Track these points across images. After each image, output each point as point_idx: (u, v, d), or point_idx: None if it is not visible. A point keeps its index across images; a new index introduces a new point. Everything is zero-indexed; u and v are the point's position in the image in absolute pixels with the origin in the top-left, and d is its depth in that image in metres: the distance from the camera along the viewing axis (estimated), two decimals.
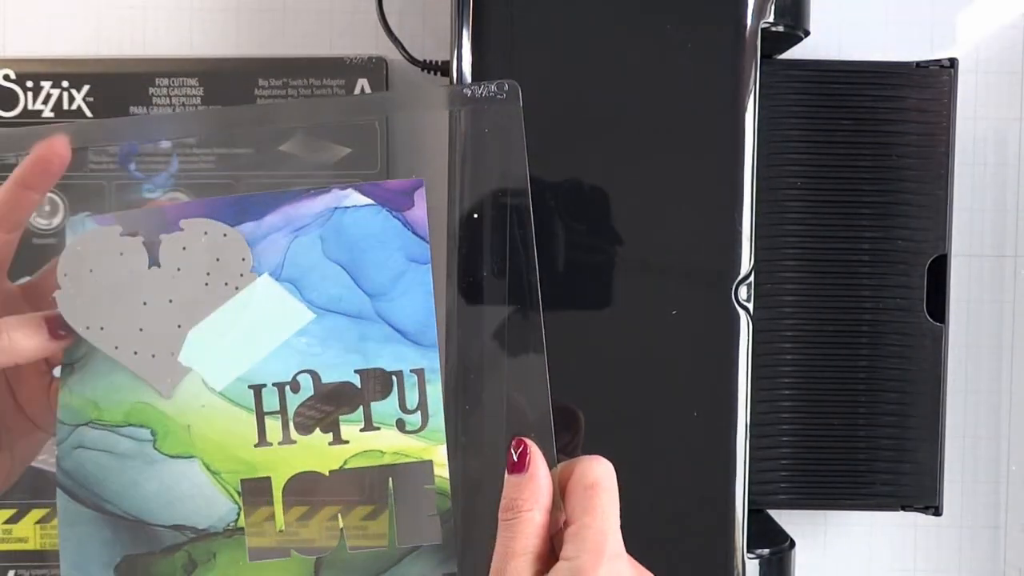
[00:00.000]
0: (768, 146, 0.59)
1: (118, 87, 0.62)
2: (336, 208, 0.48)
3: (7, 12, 0.64)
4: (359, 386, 0.47)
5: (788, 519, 0.66)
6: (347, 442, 0.48)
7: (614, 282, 0.57)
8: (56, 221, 0.62)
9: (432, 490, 0.49)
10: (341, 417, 0.48)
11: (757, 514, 0.63)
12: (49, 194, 0.62)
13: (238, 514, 0.48)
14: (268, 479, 0.47)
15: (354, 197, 0.48)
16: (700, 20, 0.56)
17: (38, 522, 0.61)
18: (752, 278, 0.57)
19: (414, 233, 0.49)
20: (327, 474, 0.47)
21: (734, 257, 0.57)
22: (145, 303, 0.46)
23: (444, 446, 0.48)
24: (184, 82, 0.62)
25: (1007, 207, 0.68)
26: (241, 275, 0.47)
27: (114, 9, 0.65)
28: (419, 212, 0.48)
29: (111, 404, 0.47)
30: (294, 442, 0.47)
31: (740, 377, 0.57)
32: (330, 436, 0.47)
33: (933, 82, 0.61)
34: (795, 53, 0.62)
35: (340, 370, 0.48)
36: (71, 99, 0.62)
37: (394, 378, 0.48)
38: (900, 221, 0.62)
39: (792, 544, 0.62)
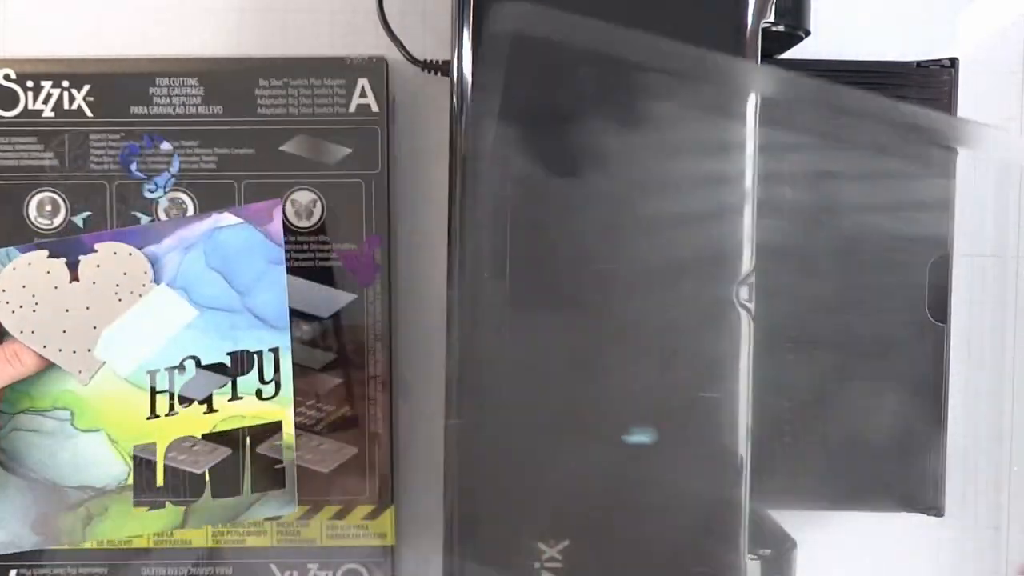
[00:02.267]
0: (768, 146, 0.59)
1: (118, 87, 0.62)
2: (215, 228, 0.58)
3: (7, 12, 0.64)
4: (229, 365, 0.58)
5: (788, 519, 0.66)
6: (217, 411, 0.58)
7: (614, 282, 0.57)
8: (57, 220, 0.62)
9: (280, 445, 0.58)
10: (214, 391, 0.58)
11: (757, 514, 0.63)
12: (50, 194, 0.62)
13: (128, 474, 0.59)
14: (154, 444, 0.58)
15: (228, 218, 0.58)
16: (700, 20, 0.56)
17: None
18: (752, 278, 0.57)
19: (272, 241, 0.58)
20: (199, 437, 0.58)
21: (734, 257, 0.57)
22: (67, 310, 0.57)
23: (291, 408, 0.58)
24: (184, 82, 0.62)
25: (1008, 207, 0.68)
26: (143, 285, 0.58)
27: (114, 9, 0.65)
28: (276, 225, 0.58)
29: (41, 394, 0.58)
30: (176, 413, 0.58)
31: (740, 377, 0.57)
32: (204, 407, 0.58)
33: (933, 82, 0.61)
34: (795, 53, 0.62)
35: (216, 354, 0.58)
36: (71, 99, 0.62)
37: (255, 356, 0.58)
38: (900, 221, 0.62)
39: (793, 544, 0.62)
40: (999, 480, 0.69)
